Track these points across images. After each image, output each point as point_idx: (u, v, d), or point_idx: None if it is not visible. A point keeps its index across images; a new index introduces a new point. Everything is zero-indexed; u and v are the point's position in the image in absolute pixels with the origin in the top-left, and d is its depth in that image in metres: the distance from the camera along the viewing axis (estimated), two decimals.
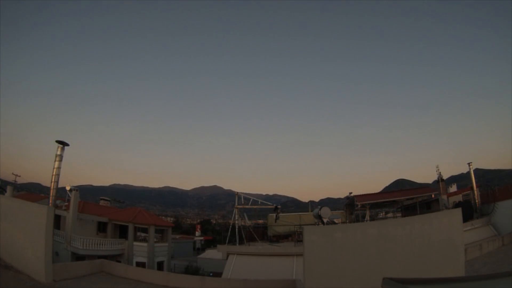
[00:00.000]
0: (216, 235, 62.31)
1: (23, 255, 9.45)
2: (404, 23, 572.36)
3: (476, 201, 24.72)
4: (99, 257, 17.81)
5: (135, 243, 26.65)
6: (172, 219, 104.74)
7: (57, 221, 22.75)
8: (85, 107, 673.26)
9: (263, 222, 39.27)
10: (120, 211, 32.89)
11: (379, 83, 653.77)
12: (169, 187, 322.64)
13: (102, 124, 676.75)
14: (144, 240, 28.22)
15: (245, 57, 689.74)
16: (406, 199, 29.42)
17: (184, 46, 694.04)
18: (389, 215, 37.92)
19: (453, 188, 30.98)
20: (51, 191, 19.33)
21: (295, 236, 25.03)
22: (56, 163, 18.97)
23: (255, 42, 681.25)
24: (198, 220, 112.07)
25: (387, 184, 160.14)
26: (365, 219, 29.17)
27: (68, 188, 25.05)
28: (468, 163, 26.18)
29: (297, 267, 14.85)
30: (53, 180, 19.12)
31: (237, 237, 25.44)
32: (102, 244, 23.88)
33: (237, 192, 27.39)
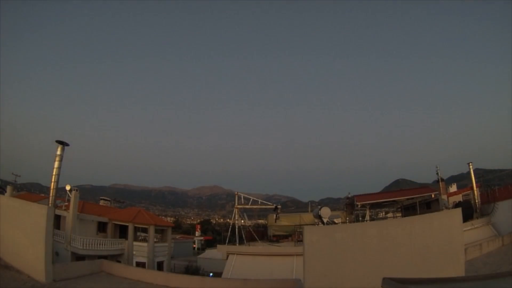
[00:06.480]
0: (216, 235, 62.30)
1: (23, 255, 9.45)
2: (406, 22, 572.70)
3: (476, 201, 24.69)
4: (99, 257, 17.79)
5: (135, 243, 26.61)
6: (172, 219, 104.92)
7: (57, 221, 22.70)
8: (85, 107, 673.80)
9: (263, 222, 39.24)
10: (120, 211, 32.88)
11: (380, 82, 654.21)
12: (169, 187, 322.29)
13: (102, 124, 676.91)
14: (144, 240, 28.19)
15: (243, 56, 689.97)
16: (406, 199, 29.37)
17: (184, 46, 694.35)
18: (389, 215, 37.83)
19: (453, 188, 30.91)
20: (51, 191, 19.27)
21: (295, 236, 25.01)
22: (56, 163, 18.90)
23: (261, 37, 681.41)
24: (198, 220, 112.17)
25: (387, 184, 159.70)
26: (365, 219, 29.14)
27: (68, 188, 24.99)
28: (468, 163, 26.13)
29: (297, 267, 14.85)
30: (53, 180, 19.06)
31: (237, 237, 25.42)
32: (102, 244, 23.83)
33: (237, 192, 27.37)
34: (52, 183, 19.11)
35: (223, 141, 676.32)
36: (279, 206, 28.47)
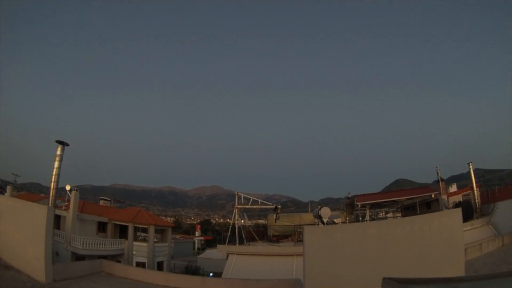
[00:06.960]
0: (216, 235, 62.34)
1: (23, 255, 9.45)
2: (408, 20, 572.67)
3: (476, 201, 24.69)
4: (99, 257, 17.79)
5: (135, 243, 26.61)
6: (172, 219, 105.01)
7: (57, 221, 22.70)
8: (86, 107, 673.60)
9: (263, 222, 39.20)
10: (120, 211, 32.87)
11: (380, 82, 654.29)
12: (169, 187, 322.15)
13: (103, 124, 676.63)
14: (144, 240, 28.20)
15: (245, 56, 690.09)
16: (406, 199, 29.35)
17: (184, 45, 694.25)
18: (389, 215, 37.81)
19: (453, 188, 30.91)
20: (51, 191, 19.24)
21: (295, 236, 24.99)
22: (56, 163, 18.87)
23: (261, 37, 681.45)
24: (198, 220, 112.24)
25: (387, 184, 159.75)
26: (365, 219, 29.12)
27: (68, 188, 24.99)
28: (468, 163, 26.13)
29: (297, 267, 14.84)
30: (53, 180, 19.04)
31: (237, 237, 25.39)
32: (102, 244, 23.83)
33: (237, 192, 27.34)
34: (52, 183, 19.08)
35: (223, 141, 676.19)
36: (279, 206, 28.38)
